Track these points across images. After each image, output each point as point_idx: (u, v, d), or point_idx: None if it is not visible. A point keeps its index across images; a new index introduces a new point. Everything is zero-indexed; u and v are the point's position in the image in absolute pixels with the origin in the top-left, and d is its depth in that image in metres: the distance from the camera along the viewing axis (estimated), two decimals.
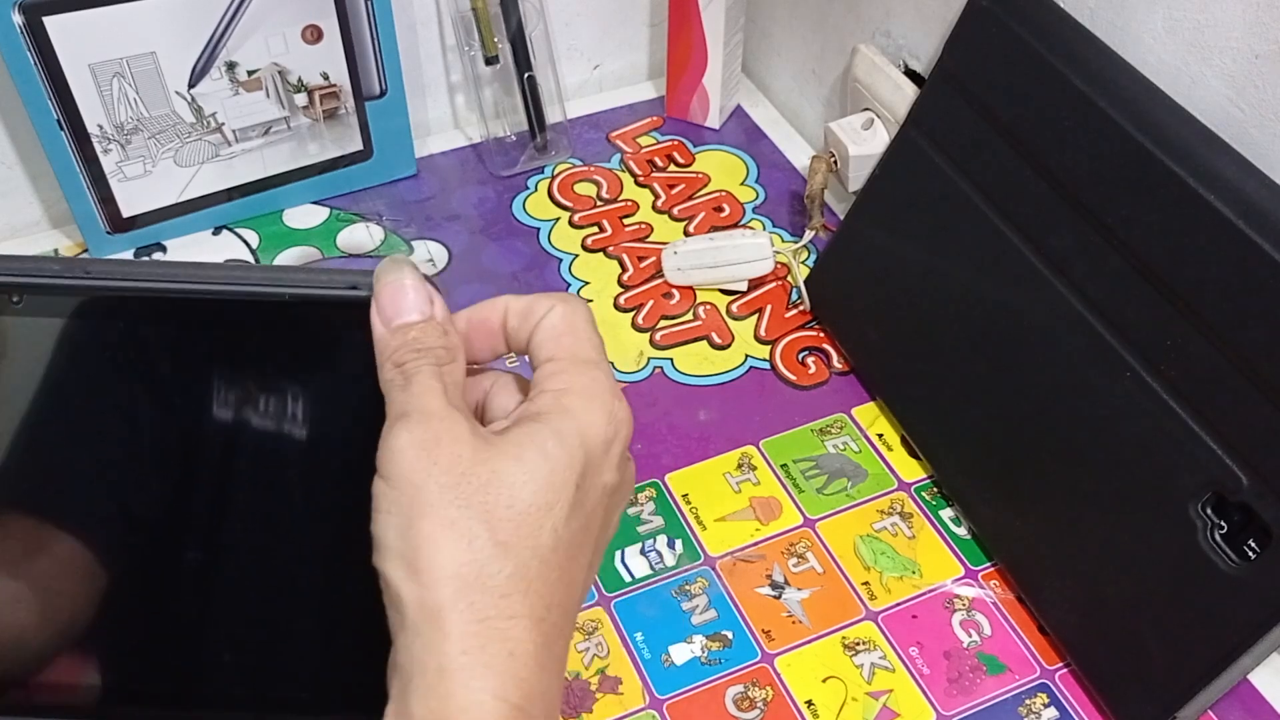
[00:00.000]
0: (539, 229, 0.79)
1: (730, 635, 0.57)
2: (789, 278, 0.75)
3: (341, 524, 0.40)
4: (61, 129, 0.68)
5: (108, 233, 0.74)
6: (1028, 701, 0.55)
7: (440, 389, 0.35)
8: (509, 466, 0.33)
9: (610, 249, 0.77)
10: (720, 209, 0.81)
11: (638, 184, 0.82)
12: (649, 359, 0.70)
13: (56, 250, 0.76)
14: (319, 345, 0.39)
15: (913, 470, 0.64)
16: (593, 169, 0.83)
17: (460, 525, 0.33)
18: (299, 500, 0.41)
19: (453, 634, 0.32)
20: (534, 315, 0.37)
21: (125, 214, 0.74)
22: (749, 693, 0.55)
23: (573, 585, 0.35)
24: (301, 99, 0.74)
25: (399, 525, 0.33)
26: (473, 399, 0.39)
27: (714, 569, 0.60)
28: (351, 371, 0.39)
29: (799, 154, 0.85)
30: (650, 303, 0.74)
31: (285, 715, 0.41)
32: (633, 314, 0.73)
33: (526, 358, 0.37)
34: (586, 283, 0.75)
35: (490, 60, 0.79)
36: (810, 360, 0.70)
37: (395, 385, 0.35)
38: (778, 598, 0.58)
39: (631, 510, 0.62)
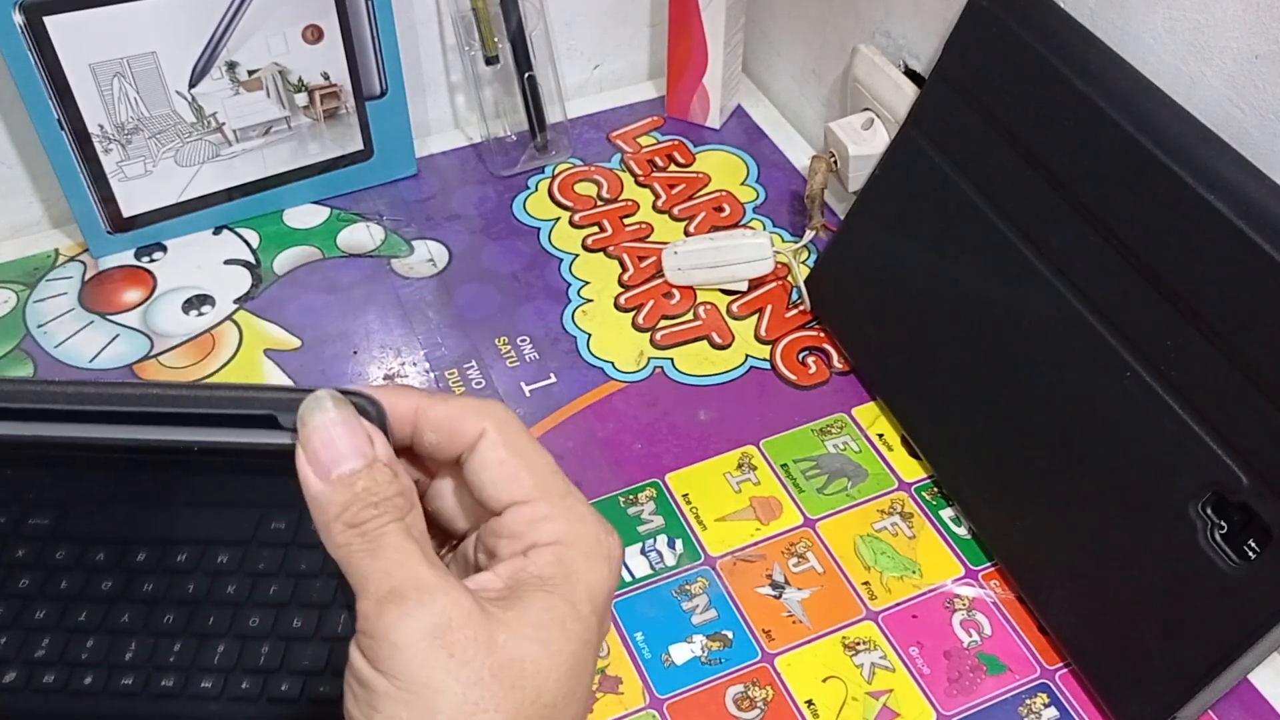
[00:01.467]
0: (539, 229, 0.79)
1: (730, 635, 0.57)
2: (789, 278, 0.75)
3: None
4: (62, 129, 0.68)
5: (108, 232, 0.74)
6: (1028, 701, 0.55)
7: (418, 551, 0.30)
8: (535, 653, 0.29)
9: (610, 249, 0.77)
10: (720, 209, 0.81)
11: (638, 184, 0.82)
12: (649, 359, 0.70)
13: (57, 250, 0.76)
14: (232, 489, 0.36)
15: (913, 470, 0.64)
16: (593, 169, 0.83)
17: None
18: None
19: None
20: (460, 437, 0.32)
21: (126, 214, 0.74)
22: (749, 692, 0.55)
23: None
24: (302, 99, 0.74)
25: None
26: None
27: (714, 569, 0.60)
28: (268, 508, 0.36)
29: (799, 154, 0.85)
30: (650, 302, 0.74)
31: None
32: (633, 314, 0.73)
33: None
34: (587, 282, 0.75)
35: (490, 60, 0.79)
36: (810, 360, 0.70)
37: (357, 552, 0.30)
38: (778, 597, 0.59)
39: (632, 510, 0.62)
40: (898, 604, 0.58)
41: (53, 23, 0.65)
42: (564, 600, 0.30)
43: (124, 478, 0.37)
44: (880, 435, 0.66)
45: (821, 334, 0.72)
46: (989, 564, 0.60)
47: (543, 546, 0.31)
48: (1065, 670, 0.56)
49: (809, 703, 0.55)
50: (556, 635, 0.30)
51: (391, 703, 0.28)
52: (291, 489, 0.30)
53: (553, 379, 0.69)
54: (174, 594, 0.40)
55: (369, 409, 0.31)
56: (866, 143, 0.71)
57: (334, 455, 0.30)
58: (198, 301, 0.73)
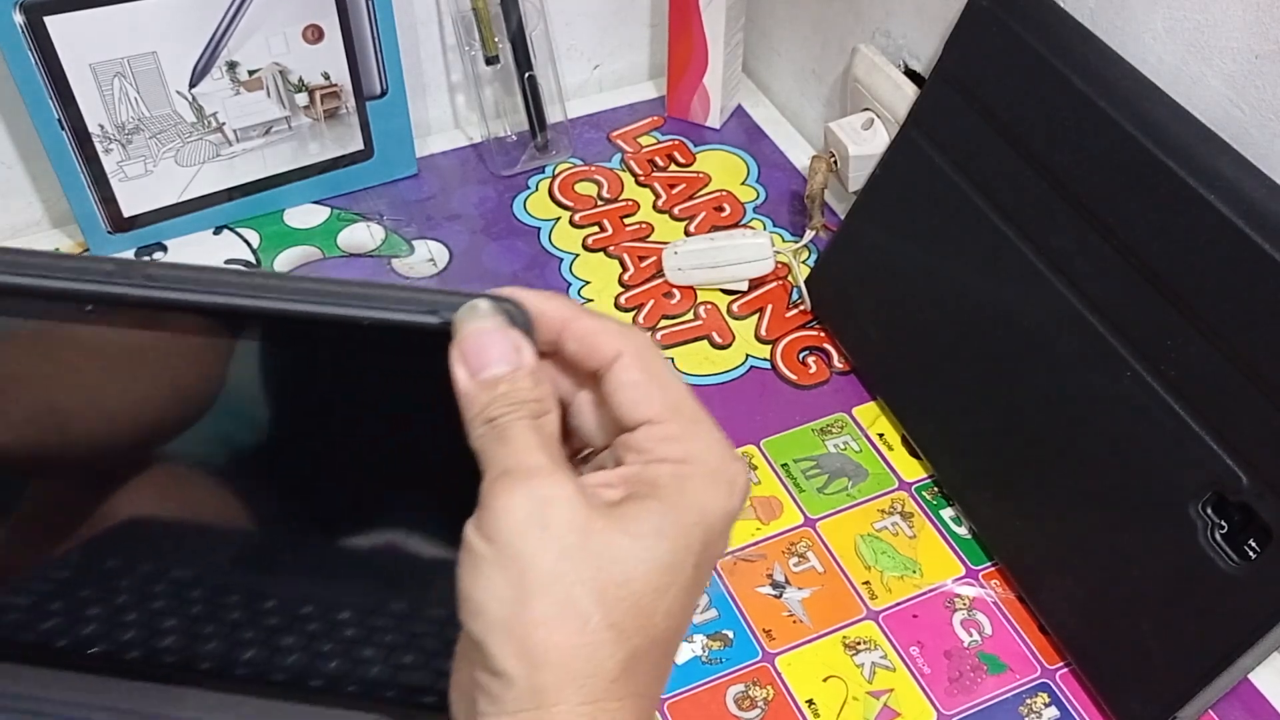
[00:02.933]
0: (540, 228, 0.79)
1: (731, 634, 0.57)
2: (789, 277, 0.75)
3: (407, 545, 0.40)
4: (62, 129, 0.68)
5: (109, 232, 0.74)
6: (1028, 701, 0.55)
7: (540, 443, 0.33)
8: (624, 543, 0.32)
9: (611, 249, 0.77)
10: (721, 209, 0.81)
11: (638, 184, 0.82)
12: None
13: (57, 249, 0.76)
14: (393, 368, 0.37)
15: (913, 470, 0.64)
16: (593, 169, 0.83)
17: (575, 605, 0.31)
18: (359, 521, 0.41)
19: (562, 714, 0.31)
20: (599, 353, 0.35)
21: (126, 214, 0.74)
22: (750, 692, 0.55)
23: (672, 659, 0.34)
24: (302, 99, 0.74)
25: (506, 597, 0.31)
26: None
27: (715, 568, 0.60)
28: (426, 396, 0.37)
29: (799, 154, 0.85)
30: (651, 302, 0.74)
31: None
32: (633, 314, 0.73)
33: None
34: (587, 282, 0.75)
35: (491, 60, 0.79)
36: (811, 360, 0.70)
37: (489, 440, 0.33)
38: (778, 597, 0.59)
39: None
40: (898, 604, 0.58)
41: (53, 23, 0.65)
42: (669, 507, 0.32)
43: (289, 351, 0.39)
44: (880, 435, 0.66)
45: (822, 334, 0.72)
46: (989, 564, 0.60)
47: (665, 462, 0.33)
48: (1065, 670, 0.56)
49: (809, 702, 0.55)
50: (652, 534, 0.32)
51: (490, 566, 0.31)
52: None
53: None
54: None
55: (517, 317, 0.34)
56: (866, 143, 0.71)
57: (482, 360, 0.33)
58: None
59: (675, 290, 0.74)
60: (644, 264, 0.76)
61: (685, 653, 0.56)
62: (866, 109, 0.73)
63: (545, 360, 0.35)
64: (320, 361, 0.38)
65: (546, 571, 0.31)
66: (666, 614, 0.32)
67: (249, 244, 0.77)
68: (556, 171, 0.83)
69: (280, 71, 0.73)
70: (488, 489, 0.32)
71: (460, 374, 0.33)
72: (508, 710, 0.31)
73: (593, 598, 0.31)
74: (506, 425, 0.33)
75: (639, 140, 0.86)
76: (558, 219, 0.79)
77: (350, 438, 0.41)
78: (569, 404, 0.37)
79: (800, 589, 0.59)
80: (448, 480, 0.38)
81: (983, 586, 0.59)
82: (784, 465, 0.64)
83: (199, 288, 0.34)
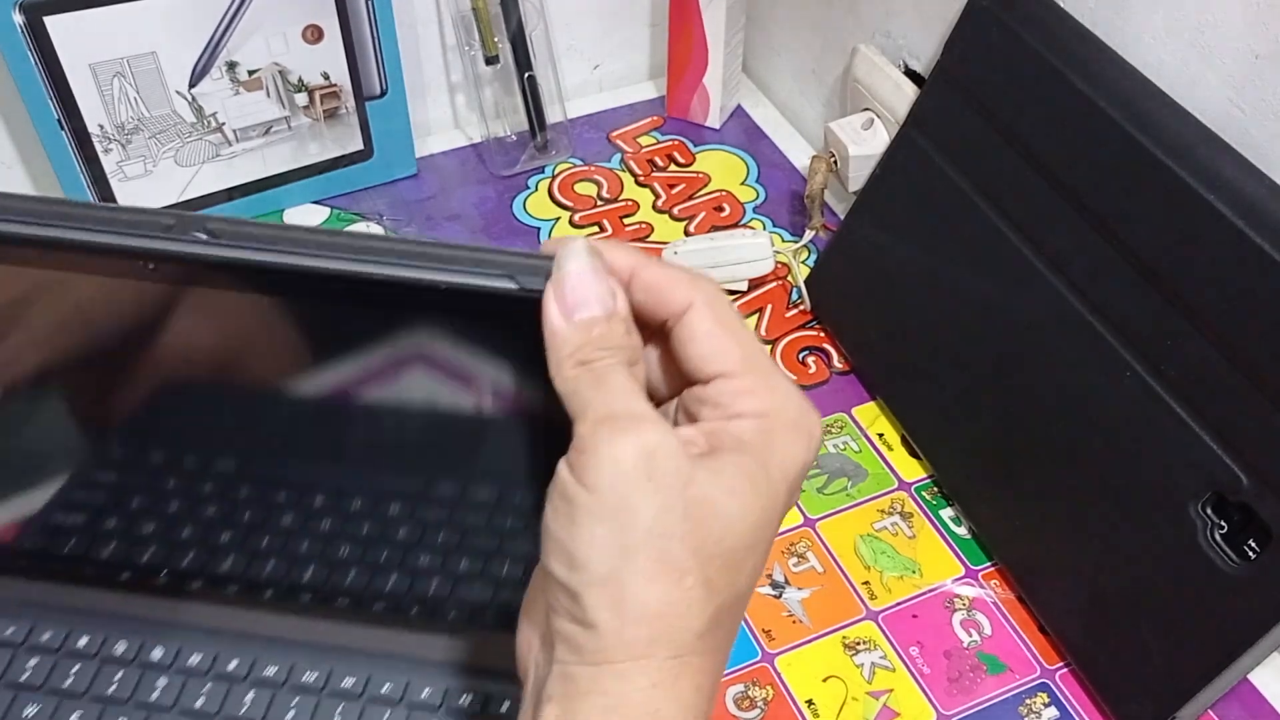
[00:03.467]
0: (539, 229, 0.79)
1: None
2: (789, 278, 0.75)
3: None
4: (62, 129, 0.68)
5: None
6: (1028, 701, 0.55)
7: (638, 390, 0.32)
8: (724, 500, 0.31)
9: None
10: (720, 209, 0.81)
11: (638, 184, 0.82)
12: None
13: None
14: (467, 331, 0.38)
15: (913, 470, 0.64)
16: (593, 169, 0.83)
17: (674, 561, 0.30)
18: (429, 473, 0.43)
19: (648, 668, 0.30)
20: (670, 304, 0.34)
21: None
22: (749, 692, 0.55)
23: (738, 623, 0.34)
24: (302, 99, 0.74)
25: (609, 551, 0.31)
26: None
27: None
28: (499, 360, 0.38)
29: (799, 154, 0.85)
30: None
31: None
32: None
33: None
34: None
35: (490, 60, 0.79)
36: (810, 360, 0.70)
37: (584, 382, 0.32)
38: (778, 597, 0.59)
39: None
40: (898, 604, 0.58)
41: (53, 23, 0.65)
42: (759, 464, 0.32)
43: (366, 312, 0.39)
44: (880, 435, 0.66)
45: (821, 334, 0.72)
46: (989, 564, 0.60)
47: (746, 417, 0.33)
48: (1065, 670, 0.56)
49: (809, 702, 0.55)
50: (747, 490, 0.31)
51: (589, 515, 0.30)
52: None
53: None
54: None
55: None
56: (866, 143, 0.71)
57: (580, 299, 0.32)
58: None
59: None
60: None
61: None
62: (866, 109, 0.73)
63: None
64: (389, 319, 0.38)
65: (649, 526, 0.30)
66: (752, 571, 0.32)
67: None
68: (556, 171, 0.83)
69: (280, 71, 0.73)
70: (589, 433, 0.31)
71: (553, 312, 0.32)
72: (591, 661, 0.31)
73: (690, 553, 0.31)
74: (605, 369, 0.32)
75: (639, 140, 0.86)
76: (557, 219, 0.79)
77: (417, 394, 0.40)
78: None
79: (800, 589, 0.59)
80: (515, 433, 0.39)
81: (982, 587, 0.59)
82: None
83: (262, 245, 0.34)
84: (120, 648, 0.47)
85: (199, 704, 0.46)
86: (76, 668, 0.47)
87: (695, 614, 0.31)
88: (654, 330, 0.35)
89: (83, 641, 0.47)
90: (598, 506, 0.31)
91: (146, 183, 0.73)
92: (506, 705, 0.46)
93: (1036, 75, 0.56)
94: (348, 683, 0.46)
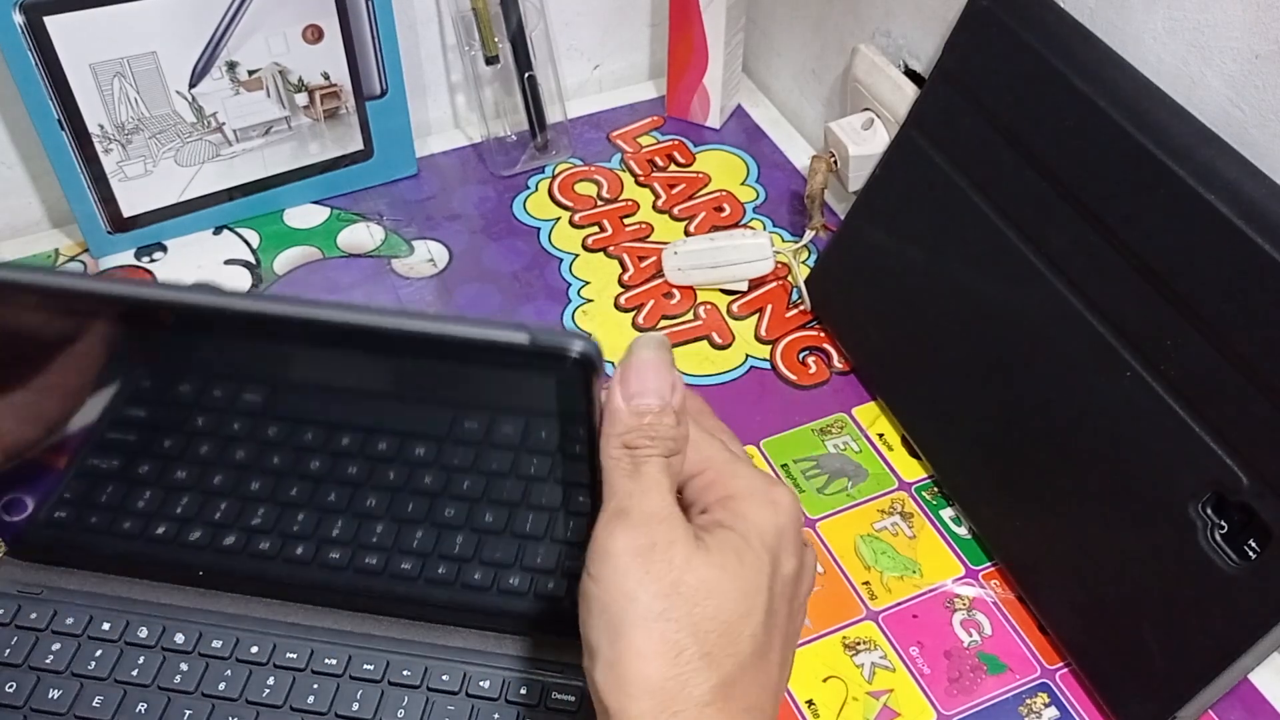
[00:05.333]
0: (539, 229, 0.79)
1: None
2: (789, 277, 0.75)
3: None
4: (62, 129, 0.68)
5: (108, 232, 0.74)
6: (1028, 701, 0.55)
7: (668, 486, 0.36)
8: (714, 576, 0.34)
9: (611, 249, 0.77)
10: (721, 209, 0.81)
11: (638, 184, 0.82)
12: None
13: (57, 250, 0.76)
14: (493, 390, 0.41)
15: (913, 470, 0.64)
16: (593, 169, 0.83)
17: (669, 639, 0.33)
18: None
19: None
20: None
21: (126, 214, 0.74)
22: None
23: (767, 683, 0.36)
24: (302, 99, 0.74)
25: (608, 633, 0.34)
26: None
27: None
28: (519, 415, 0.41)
29: (799, 154, 0.85)
30: (651, 303, 0.74)
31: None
32: (633, 314, 0.73)
33: None
34: (587, 282, 0.75)
35: (491, 60, 0.79)
36: (811, 360, 0.70)
37: (621, 469, 0.36)
38: None
39: None
40: (898, 604, 0.58)
41: (53, 23, 0.65)
42: (740, 535, 0.36)
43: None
44: (880, 435, 0.66)
45: (821, 334, 0.72)
46: (989, 564, 0.60)
47: (716, 503, 0.37)
48: (1065, 670, 0.56)
49: (809, 703, 0.55)
50: (733, 562, 0.35)
51: (597, 604, 0.34)
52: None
53: None
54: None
55: (594, 357, 0.36)
56: (866, 143, 0.71)
57: (641, 387, 0.36)
58: None
59: (675, 290, 0.74)
60: (644, 264, 0.76)
61: None
62: (866, 109, 0.73)
63: None
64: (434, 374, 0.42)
65: (644, 608, 0.33)
66: (751, 637, 0.35)
67: (249, 244, 0.77)
68: (556, 171, 0.83)
69: (280, 71, 0.73)
70: (602, 529, 0.35)
71: (616, 393, 0.36)
72: None
73: (688, 631, 0.33)
74: (643, 459, 0.35)
75: (639, 140, 0.86)
76: (557, 219, 0.79)
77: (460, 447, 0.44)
78: None
79: None
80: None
81: (983, 587, 0.59)
82: (784, 465, 0.64)
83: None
84: (179, 638, 0.50)
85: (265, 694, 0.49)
86: (170, 662, 0.50)
87: (697, 684, 0.33)
88: None
89: (179, 638, 0.50)
90: (601, 595, 0.34)
91: (146, 183, 0.73)
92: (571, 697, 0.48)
93: (1036, 75, 0.56)
94: (407, 674, 0.49)
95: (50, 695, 0.48)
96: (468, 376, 0.41)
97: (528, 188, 0.82)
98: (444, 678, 0.48)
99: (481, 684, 0.48)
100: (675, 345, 0.71)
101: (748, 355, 0.71)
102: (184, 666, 0.49)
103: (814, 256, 0.76)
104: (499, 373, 0.39)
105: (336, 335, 0.38)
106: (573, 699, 0.47)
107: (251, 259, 0.76)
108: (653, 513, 0.35)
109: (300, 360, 0.42)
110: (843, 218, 0.72)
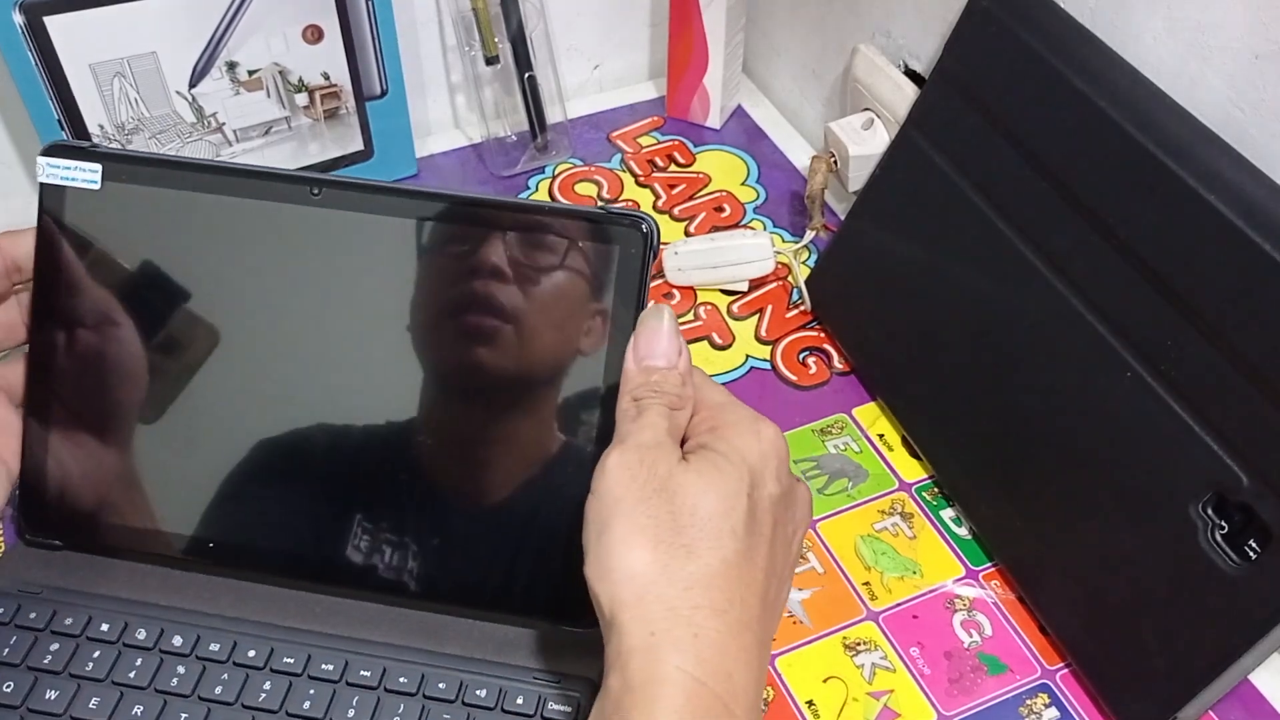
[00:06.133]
0: None
1: None
2: (789, 278, 0.75)
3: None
4: (62, 129, 0.68)
5: None
6: (1029, 701, 0.55)
7: (664, 427, 0.40)
8: (693, 480, 0.39)
9: None
10: (721, 209, 0.81)
11: (638, 184, 0.82)
12: None
13: None
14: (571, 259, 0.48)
15: (913, 470, 0.64)
16: (593, 169, 0.83)
17: (650, 529, 0.37)
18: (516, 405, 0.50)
19: (642, 619, 0.36)
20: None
21: None
22: None
23: (753, 584, 0.39)
24: (302, 99, 0.74)
25: (596, 530, 0.38)
26: None
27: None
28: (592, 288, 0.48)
29: (799, 154, 0.85)
30: (651, 303, 0.73)
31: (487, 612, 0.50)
32: None
33: None
34: None
35: (491, 60, 0.79)
36: (811, 360, 0.70)
37: (627, 415, 0.41)
38: None
39: None
40: (898, 604, 0.58)
41: (53, 23, 0.65)
42: (719, 453, 0.40)
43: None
44: (881, 435, 0.66)
45: (822, 334, 0.72)
46: (989, 564, 0.60)
47: (704, 432, 0.42)
48: (1066, 670, 0.56)
49: (809, 703, 0.55)
50: (712, 471, 0.39)
51: (591, 511, 0.39)
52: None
53: None
54: None
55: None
56: (866, 143, 0.71)
57: (649, 350, 0.42)
58: None
59: (675, 290, 0.74)
60: None
61: None
62: (866, 109, 0.73)
63: None
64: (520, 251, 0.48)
65: (628, 506, 0.38)
66: (732, 533, 0.38)
67: None
68: (556, 172, 0.83)
69: (280, 72, 0.73)
70: (604, 454, 0.40)
71: (629, 356, 0.42)
72: (606, 635, 0.38)
73: (667, 523, 0.38)
74: (646, 406, 0.41)
75: (639, 140, 0.86)
76: None
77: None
78: None
79: (800, 590, 0.59)
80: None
81: (983, 587, 0.59)
82: None
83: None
84: (177, 640, 0.50)
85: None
86: (201, 668, 0.50)
87: (678, 569, 0.37)
88: None
89: (177, 640, 0.50)
90: (595, 504, 0.39)
91: None
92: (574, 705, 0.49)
93: (1036, 75, 0.56)
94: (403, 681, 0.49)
95: (47, 695, 0.48)
96: (548, 247, 0.48)
97: (528, 188, 0.82)
98: (440, 685, 0.48)
99: (478, 692, 0.48)
100: None
101: (748, 355, 0.71)
102: (181, 669, 0.49)
103: (814, 257, 0.76)
104: (573, 246, 0.47)
105: (460, 212, 0.47)
106: (569, 709, 0.47)
107: None
108: (645, 442, 0.39)
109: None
110: (843, 218, 0.72)
